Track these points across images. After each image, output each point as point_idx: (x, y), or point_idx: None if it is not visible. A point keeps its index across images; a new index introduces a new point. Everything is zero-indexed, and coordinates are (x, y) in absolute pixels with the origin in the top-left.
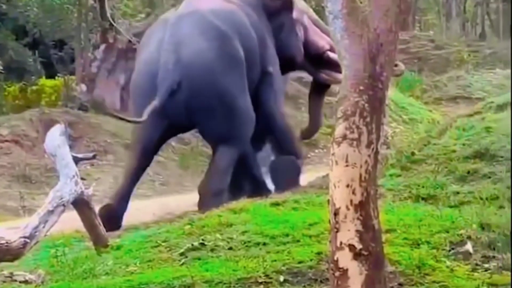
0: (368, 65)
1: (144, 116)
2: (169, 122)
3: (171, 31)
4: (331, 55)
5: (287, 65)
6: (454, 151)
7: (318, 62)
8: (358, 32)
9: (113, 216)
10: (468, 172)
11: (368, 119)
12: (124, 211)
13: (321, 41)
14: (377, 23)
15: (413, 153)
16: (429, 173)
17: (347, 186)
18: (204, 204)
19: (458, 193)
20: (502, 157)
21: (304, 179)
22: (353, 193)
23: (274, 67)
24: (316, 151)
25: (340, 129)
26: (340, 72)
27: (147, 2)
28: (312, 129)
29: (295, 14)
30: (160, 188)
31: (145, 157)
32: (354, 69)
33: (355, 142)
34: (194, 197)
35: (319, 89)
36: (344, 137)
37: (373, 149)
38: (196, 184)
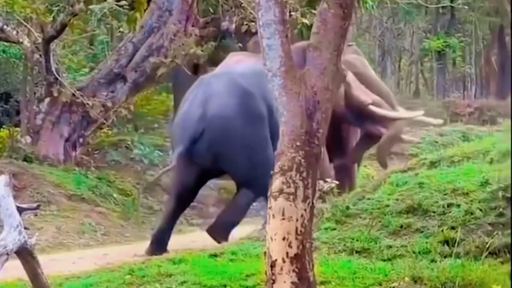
0: (305, 122)
1: (173, 163)
2: (198, 167)
3: (203, 89)
4: (374, 109)
5: None
6: (387, 205)
7: (361, 115)
8: (296, 89)
9: (159, 245)
10: (401, 226)
11: (304, 174)
12: (165, 248)
13: (363, 95)
14: (314, 81)
15: (347, 207)
16: (363, 227)
17: (284, 239)
18: (216, 231)
19: (391, 246)
20: (434, 212)
21: (242, 231)
22: (289, 246)
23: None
24: (254, 204)
25: (277, 184)
26: (385, 126)
27: (90, 57)
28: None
29: None
30: (102, 238)
31: (181, 200)
32: (291, 125)
33: (291, 197)
34: (135, 247)
35: (364, 141)
36: (281, 191)
37: (309, 203)
38: (137, 235)
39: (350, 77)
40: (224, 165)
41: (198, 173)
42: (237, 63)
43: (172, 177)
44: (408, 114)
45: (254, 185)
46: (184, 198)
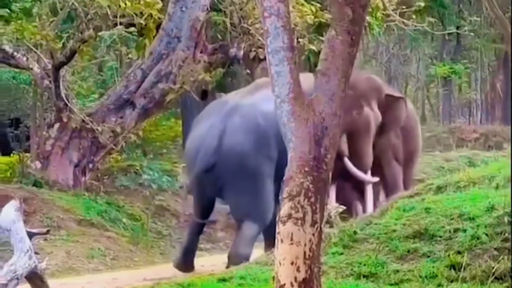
0: (313, 147)
1: (187, 188)
2: (209, 193)
3: (222, 119)
4: (347, 163)
5: None
6: (394, 230)
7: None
8: (304, 115)
9: (185, 265)
10: (408, 251)
11: (312, 199)
12: (193, 259)
13: (344, 146)
14: (323, 107)
15: (355, 232)
16: (371, 251)
17: (292, 263)
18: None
19: (398, 271)
20: (440, 237)
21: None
22: (298, 270)
23: None
24: None
25: (285, 209)
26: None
27: (100, 84)
28: None
29: None
30: (111, 262)
31: (201, 217)
32: (299, 151)
33: (299, 221)
34: (144, 271)
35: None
36: (289, 216)
37: (317, 228)
38: (146, 260)
39: None
40: (228, 197)
41: (210, 197)
42: (260, 92)
43: (193, 197)
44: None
45: (256, 219)
46: (203, 216)
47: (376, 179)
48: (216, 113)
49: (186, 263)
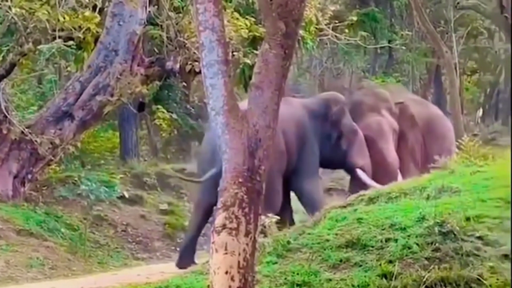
0: (247, 159)
1: (203, 178)
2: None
3: None
4: (361, 174)
5: (328, 165)
6: (327, 240)
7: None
8: (238, 127)
9: (186, 259)
10: (341, 261)
11: (246, 210)
12: (193, 254)
13: (358, 158)
14: (256, 120)
15: (289, 242)
16: (304, 261)
17: (226, 272)
18: None
19: (331, 280)
20: (372, 246)
21: None
22: (232, 279)
23: (306, 161)
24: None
25: (220, 219)
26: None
27: (39, 96)
28: None
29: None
30: (49, 271)
31: (205, 214)
32: (234, 162)
33: (234, 231)
34: (82, 281)
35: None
36: (224, 226)
37: (251, 238)
38: (84, 269)
39: (358, 136)
40: None
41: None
42: None
43: (198, 194)
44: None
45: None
46: (209, 213)
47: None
48: None
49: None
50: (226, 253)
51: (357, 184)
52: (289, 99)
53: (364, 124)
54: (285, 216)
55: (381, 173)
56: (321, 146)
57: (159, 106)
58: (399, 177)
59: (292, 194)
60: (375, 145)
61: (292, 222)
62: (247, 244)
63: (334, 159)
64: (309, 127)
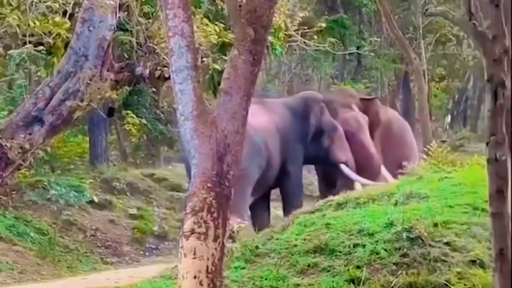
0: (216, 164)
1: None
2: None
3: None
4: (345, 169)
5: (311, 161)
6: (295, 245)
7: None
8: (207, 133)
9: None
10: (309, 266)
11: (215, 215)
12: None
13: (340, 153)
14: (225, 125)
15: (257, 247)
16: (272, 266)
17: (195, 277)
18: None
19: (299, 285)
20: (340, 252)
21: (153, 269)
22: (200, 284)
23: (293, 162)
24: (166, 243)
25: (188, 224)
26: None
27: (9, 101)
28: None
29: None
30: (18, 276)
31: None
32: (202, 167)
33: (202, 236)
34: (51, 285)
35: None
36: (193, 231)
37: (219, 242)
38: (53, 273)
39: (338, 133)
40: None
41: None
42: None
43: None
44: (366, 181)
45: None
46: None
47: (372, 182)
48: None
49: None
50: (194, 258)
51: (342, 180)
52: (268, 100)
53: (342, 120)
54: (263, 221)
55: (366, 164)
56: (303, 144)
57: (129, 112)
58: (383, 167)
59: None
60: (356, 139)
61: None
62: (215, 249)
63: (317, 156)
64: (291, 127)
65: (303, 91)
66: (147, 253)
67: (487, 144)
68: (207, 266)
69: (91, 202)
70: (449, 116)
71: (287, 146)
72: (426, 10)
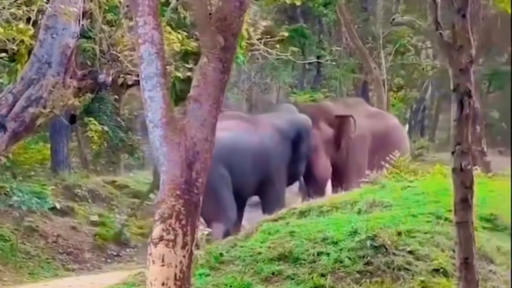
0: (185, 171)
1: None
2: None
3: None
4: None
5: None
6: (260, 253)
7: None
8: (176, 140)
9: None
10: (273, 273)
11: (183, 222)
12: None
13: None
14: (194, 132)
15: (221, 254)
16: (236, 273)
17: (163, 284)
18: None
19: None
20: (304, 260)
21: (115, 276)
22: None
23: (275, 174)
24: (128, 250)
25: (157, 231)
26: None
27: None
28: None
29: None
30: None
31: None
32: (171, 174)
33: (171, 243)
34: None
35: None
36: (161, 238)
37: (188, 250)
38: (15, 280)
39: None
40: None
41: None
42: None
43: None
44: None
45: (221, 218)
46: None
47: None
48: None
49: None
50: (163, 265)
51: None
52: (258, 117)
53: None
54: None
55: (312, 180)
56: (288, 164)
57: (91, 119)
58: (329, 183)
59: None
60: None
61: None
62: (184, 256)
63: (300, 174)
64: (278, 150)
65: (260, 102)
66: (108, 260)
67: (452, 153)
68: (175, 273)
69: (53, 208)
70: (407, 126)
71: (270, 168)
72: (393, 19)
